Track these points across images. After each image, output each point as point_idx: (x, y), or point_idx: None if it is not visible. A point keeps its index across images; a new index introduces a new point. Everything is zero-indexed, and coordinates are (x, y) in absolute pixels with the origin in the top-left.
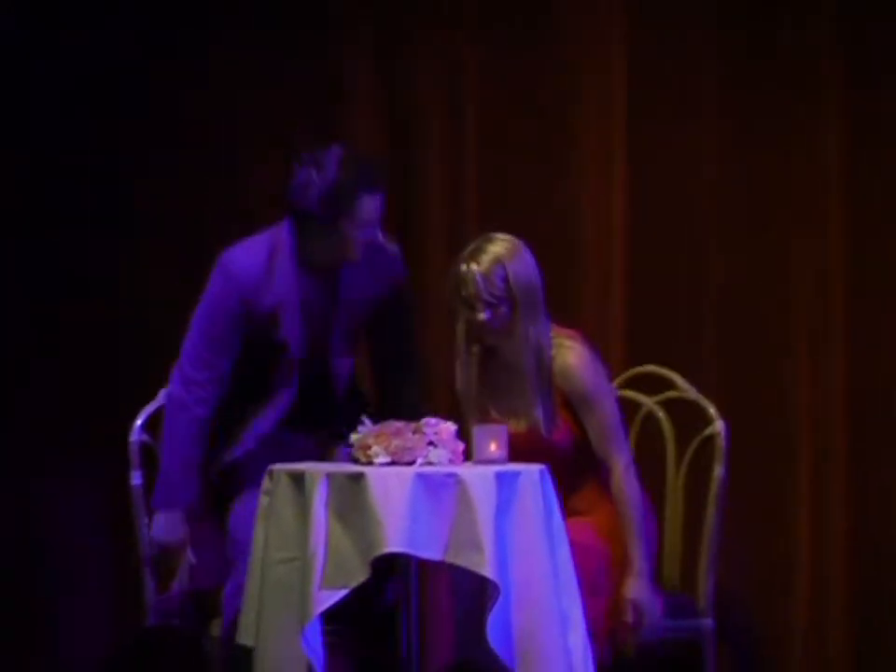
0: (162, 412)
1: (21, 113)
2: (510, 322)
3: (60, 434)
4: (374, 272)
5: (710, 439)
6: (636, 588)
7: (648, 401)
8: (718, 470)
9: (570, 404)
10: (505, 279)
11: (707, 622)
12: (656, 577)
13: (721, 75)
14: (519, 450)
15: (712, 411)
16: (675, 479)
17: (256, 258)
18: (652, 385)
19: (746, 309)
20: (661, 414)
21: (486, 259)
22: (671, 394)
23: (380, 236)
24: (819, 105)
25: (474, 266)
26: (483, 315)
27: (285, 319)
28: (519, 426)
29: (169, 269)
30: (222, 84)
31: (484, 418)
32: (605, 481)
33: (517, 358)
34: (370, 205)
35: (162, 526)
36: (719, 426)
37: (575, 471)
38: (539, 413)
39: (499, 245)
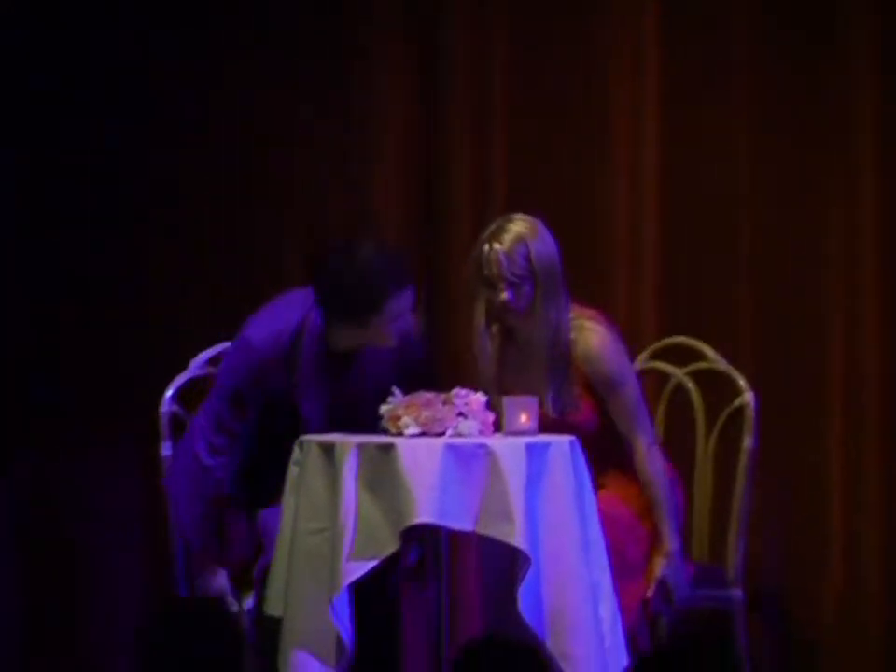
0: (192, 383)
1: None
2: (530, 302)
3: (91, 407)
4: (398, 347)
5: (740, 410)
6: (665, 566)
7: (678, 373)
8: (747, 441)
9: (594, 386)
10: (527, 258)
11: (737, 592)
12: (685, 548)
13: (753, 52)
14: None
15: (742, 382)
16: (704, 450)
17: (278, 341)
18: (682, 356)
19: (779, 281)
20: (690, 386)
21: (508, 238)
22: (701, 365)
23: (412, 323)
24: (852, 81)
25: (497, 245)
26: (505, 295)
27: (305, 398)
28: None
29: (198, 241)
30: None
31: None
32: (630, 463)
33: (535, 339)
34: (399, 301)
35: (209, 585)
36: (748, 397)
37: (599, 453)
38: (554, 395)
39: (520, 225)
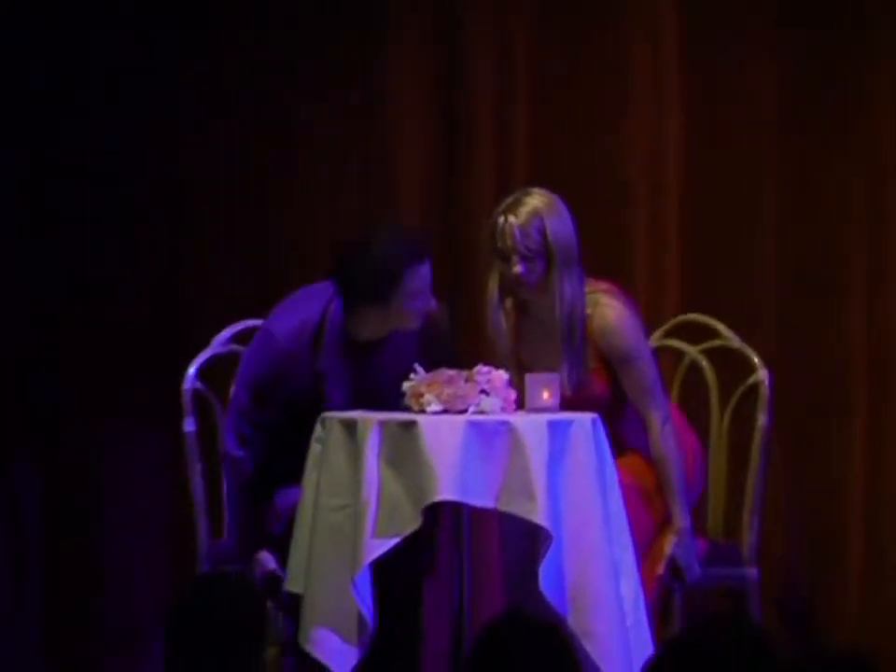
0: (216, 360)
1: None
2: (544, 277)
3: (112, 384)
4: (422, 335)
5: (754, 387)
6: (676, 544)
7: (692, 350)
8: (761, 419)
9: (608, 361)
10: (542, 232)
11: (752, 571)
12: (701, 525)
13: (779, 16)
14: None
15: (756, 359)
16: (719, 428)
17: (300, 335)
18: (697, 333)
19: (803, 254)
20: (704, 363)
21: (524, 211)
22: (715, 342)
23: (434, 303)
24: (882, 49)
25: (512, 218)
26: (518, 269)
27: (329, 388)
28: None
29: (227, 220)
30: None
31: (519, 372)
32: (641, 439)
33: (549, 314)
34: (419, 275)
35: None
36: (762, 374)
37: (611, 429)
38: (567, 370)
39: (537, 199)
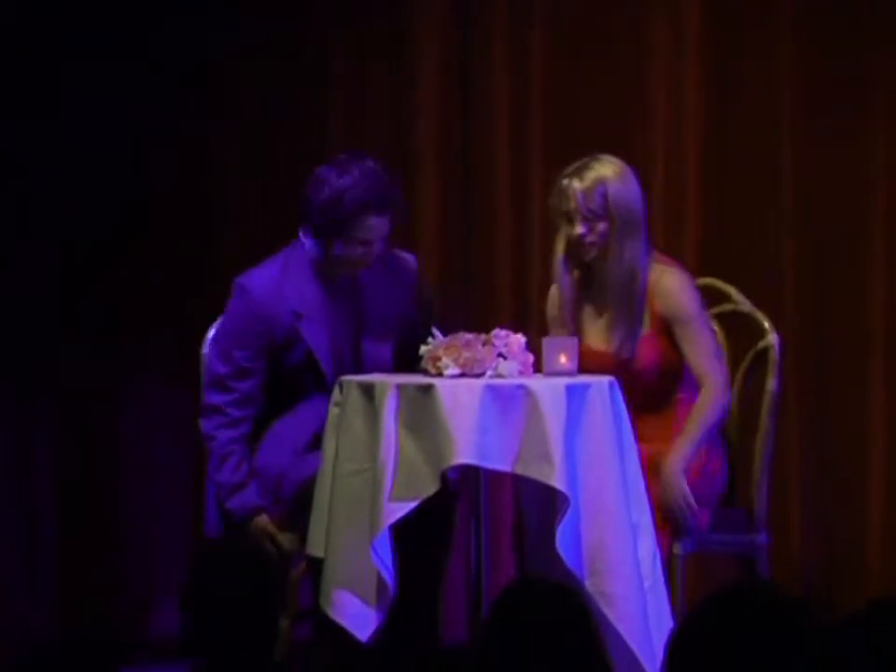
0: None
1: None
2: (606, 241)
3: (130, 349)
4: (394, 284)
5: (764, 352)
6: (662, 492)
7: None
8: (771, 384)
9: (666, 329)
10: (605, 196)
11: (761, 536)
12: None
13: None
14: (602, 371)
15: (766, 324)
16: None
17: (270, 272)
18: (709, 297)
19: (822, 218)
20: (716, 327)
21: (590, 176)
22: (726, 307)
23: (374, 254)
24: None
25: (576, 182)
26: (580, 229)
27: (308, 329)
28: (606, 346)
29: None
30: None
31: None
32: (682, 411)
33: (610, 279)
34: (366, 225)
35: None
36: (773, 338)
37: (655, 398)
38: (621, 335)
39: (606, 166)
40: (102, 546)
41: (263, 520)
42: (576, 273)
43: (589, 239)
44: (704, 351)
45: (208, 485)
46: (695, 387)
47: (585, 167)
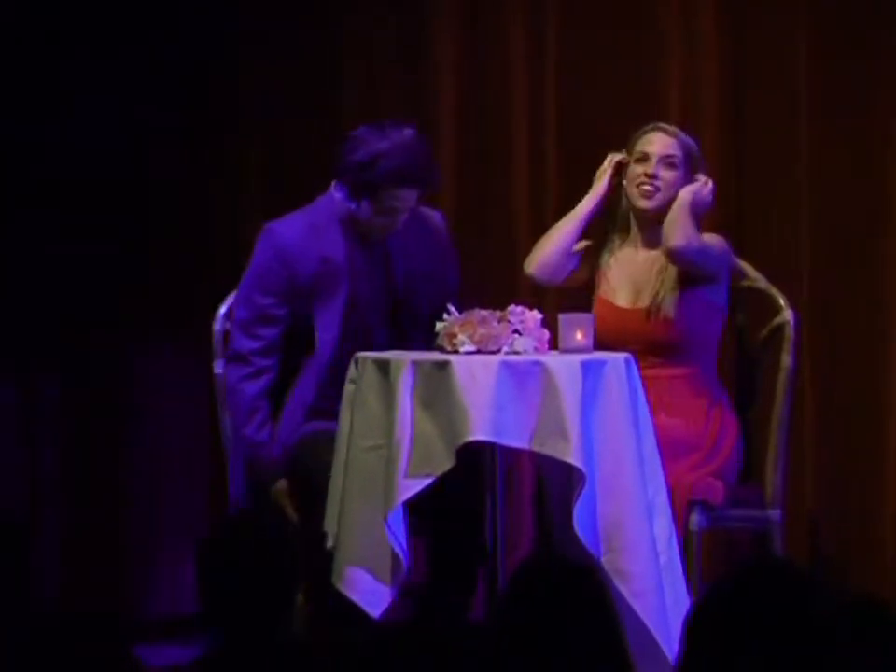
0: None
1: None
2: (668, 195)
3: (146, 323)
4: (423, 240)
5: (780, 328)
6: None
7: None
8: (786, 360)
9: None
10: (684, 149)
11: (776, 513)
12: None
13: None
14: (621, 326)
15: (782, 300)
16: (746, 369)
17: (299, 218)
18: None
19: (838, 192)
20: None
21: (674, 130)
22: (742, 283)
23: (399, 222)
24: None
25: (662, 130)
26: (654, 168)
27: (332, 279)
28: (630, 303)
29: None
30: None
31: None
32: (700, 374)
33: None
34: (396, 196)
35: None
36: (788, 314)
37: (674, 357)
38: (671, 299)
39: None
40: (106, 522)
41: (283, 484)
42: (618, 241)
43: (656, 184)
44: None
45: (231, 450)
46: (710, 365)
47: (667, 125)
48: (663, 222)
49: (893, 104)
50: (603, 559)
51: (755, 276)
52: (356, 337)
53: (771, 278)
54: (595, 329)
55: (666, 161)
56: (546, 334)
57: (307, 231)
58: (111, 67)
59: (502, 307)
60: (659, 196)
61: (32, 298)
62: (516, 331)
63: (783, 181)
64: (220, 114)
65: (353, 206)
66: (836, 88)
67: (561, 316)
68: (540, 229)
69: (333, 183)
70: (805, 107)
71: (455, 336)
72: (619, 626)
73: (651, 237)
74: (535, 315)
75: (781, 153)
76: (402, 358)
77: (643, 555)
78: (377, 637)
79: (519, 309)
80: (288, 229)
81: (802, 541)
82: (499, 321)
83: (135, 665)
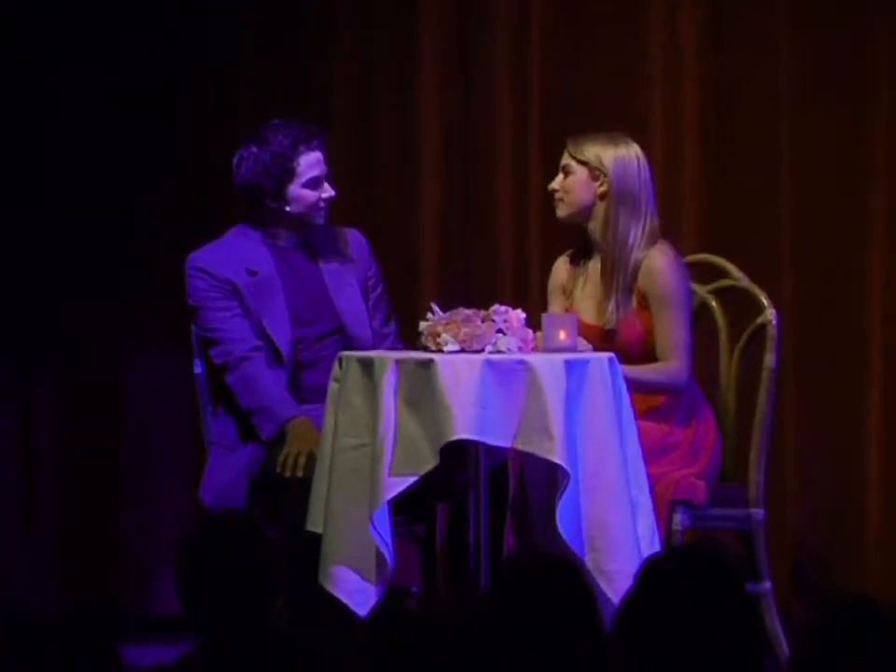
0: None
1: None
2: (572, 198)
3: (140, 310)
4: (343, 248)
5: (762, 327)
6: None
7: (701, 290)
8: (769, 359)
9: (648, 304)
10: (597, 156)
11: (758, 512)
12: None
13: None
14: (596, 342)
15: (764, 299)
16: (728, 368)
17: (216, 246)
18: (707, 274)
19: (820, 192)
20: (714, 304)
21: (594, 135)
22: (724, 283)
23: (333, 192)
24: None
25: (571, 138)
26: (553, 184)
27: (267, 287)
28: (595, 319)
29: None
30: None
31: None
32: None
33: (604, 250)
34: (309, 161)
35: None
36: (770, 314)
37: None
38: (607, 308)
39: (616, 135)
40: (101, 518)
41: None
42: (585, 263)
43: (560, 192)
44: (675, 339)
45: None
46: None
47: (596, 133)
48: (586, 228)
49: (875, 103)
50: (586, 558)
51: (738, 276)
52: (310, 345)
53: (753, 278)
54: (578, 329)
55: (563, 170)
56: (530, 333)
57: (224, 250)
58: (106, 68)
59: (486, 306)
60: (562, 205)
61: (29, 303)
62: (500, 330)
63: (765, 181)
64: (213, 117)
65: (275, 205)
66: (818, 87)
67: (544, 316)
68: (524, 229)
69: (245, 216)
70: (787, 107)
71: (438, 335)
72: (601, 624)
73: (600, 247)
74: (519, 315)
75: (763, 153)
76: (386, 357)
77: (626, 554)
78: (362, 637)
79: (503, 308)
80: (204, 251)
81: (785, 541)
82: (483, 320)
83: (119, 665)
